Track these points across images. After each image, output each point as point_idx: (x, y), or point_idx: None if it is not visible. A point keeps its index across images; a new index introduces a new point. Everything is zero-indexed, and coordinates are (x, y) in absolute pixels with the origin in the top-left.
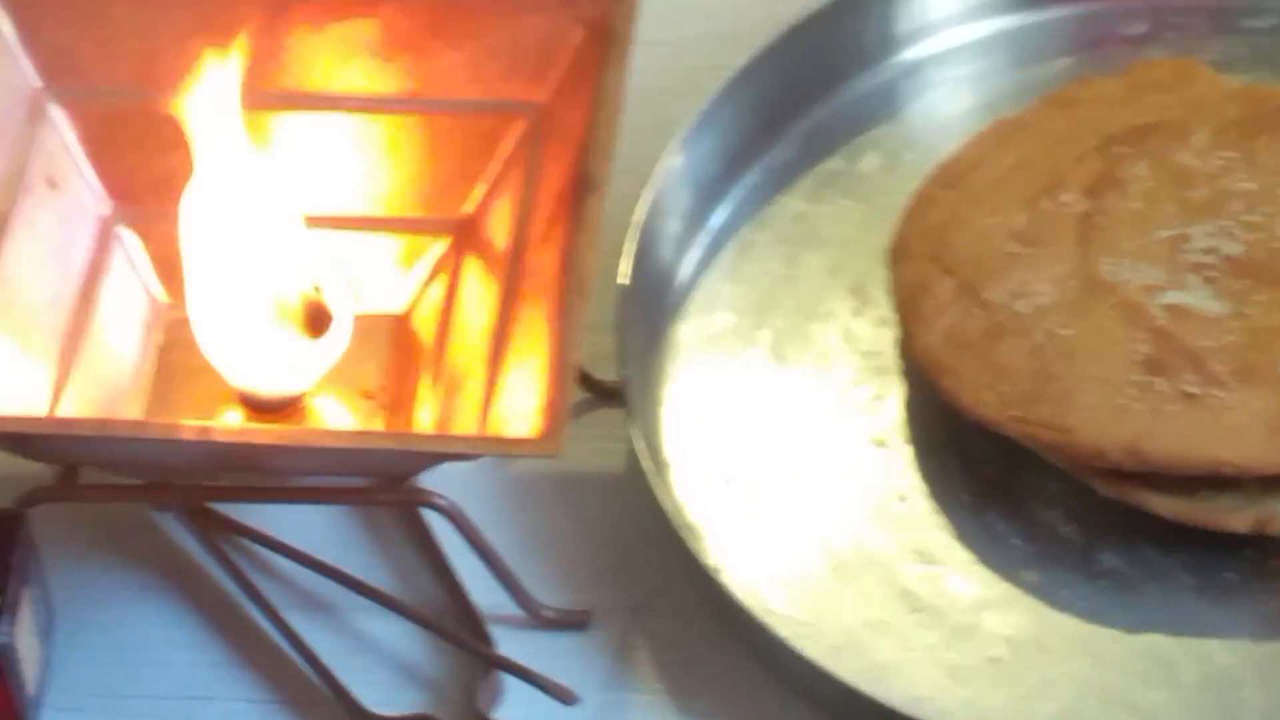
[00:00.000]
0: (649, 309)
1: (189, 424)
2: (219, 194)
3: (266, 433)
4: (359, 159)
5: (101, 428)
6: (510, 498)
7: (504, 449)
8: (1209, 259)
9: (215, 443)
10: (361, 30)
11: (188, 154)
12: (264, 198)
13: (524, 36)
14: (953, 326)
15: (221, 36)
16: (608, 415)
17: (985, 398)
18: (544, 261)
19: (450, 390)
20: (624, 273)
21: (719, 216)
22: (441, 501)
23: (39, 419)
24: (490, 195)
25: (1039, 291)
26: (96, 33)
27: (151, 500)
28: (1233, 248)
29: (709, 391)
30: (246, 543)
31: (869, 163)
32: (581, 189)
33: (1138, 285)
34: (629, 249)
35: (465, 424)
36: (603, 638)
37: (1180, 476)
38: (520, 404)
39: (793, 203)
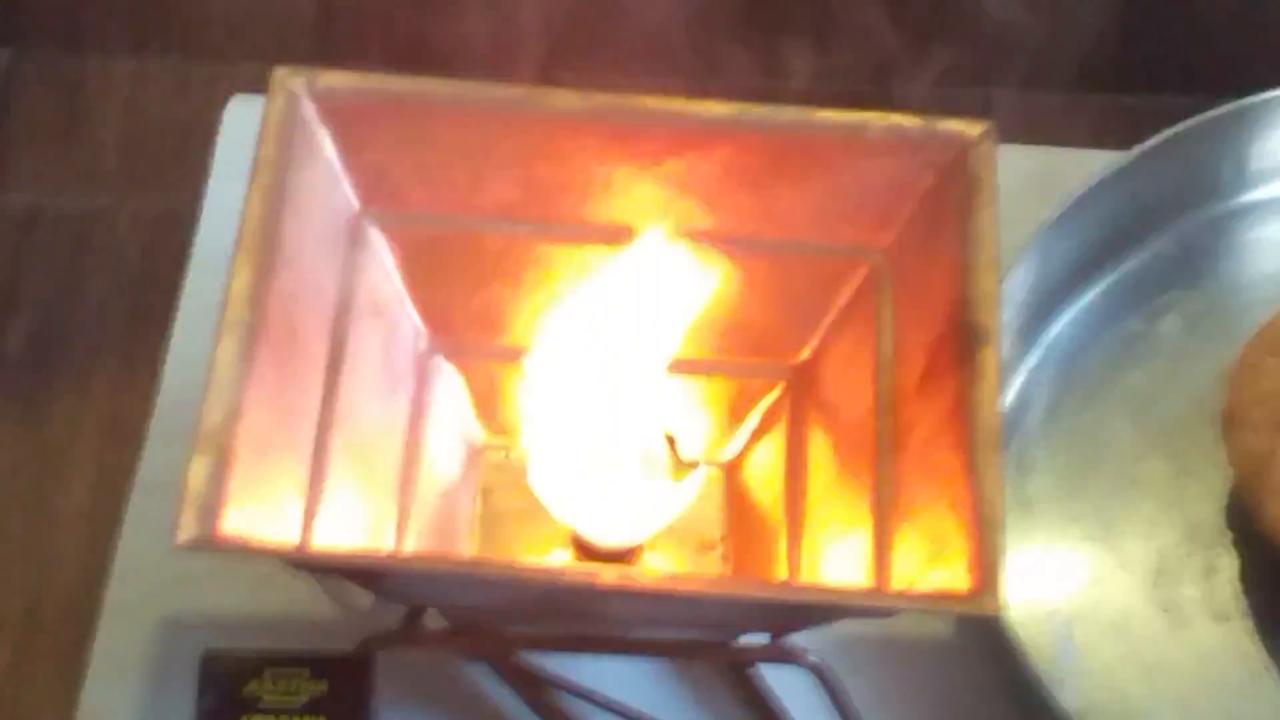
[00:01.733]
0: None
1: (584, 569)
2: (572, 336)
3: (690, 580)
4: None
5: (510, 570)
6: (834, 660)
7: (942, 606)
8: None
9: (598, 589)
10: (699, 166)
11: (509, 285)
12: (618, 341)
13: (870, 179)
14: None
15: (553, 165)
16: None
17: None
18: (927, 414)
19: (817, 544)
20: None
21: (1022, 374)
22: (813, 659)
23: (428, 557)
24: (828, 342)
25: None
26: (419, 156)
27: (496, 649)
28: None
29: (1035, 555)
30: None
31: (1169, 325)
32: (968, 340)
33: None
34: None
35: (848, 579)
36: None
37: None
38: (932, 560)
39: (1095, 364)
